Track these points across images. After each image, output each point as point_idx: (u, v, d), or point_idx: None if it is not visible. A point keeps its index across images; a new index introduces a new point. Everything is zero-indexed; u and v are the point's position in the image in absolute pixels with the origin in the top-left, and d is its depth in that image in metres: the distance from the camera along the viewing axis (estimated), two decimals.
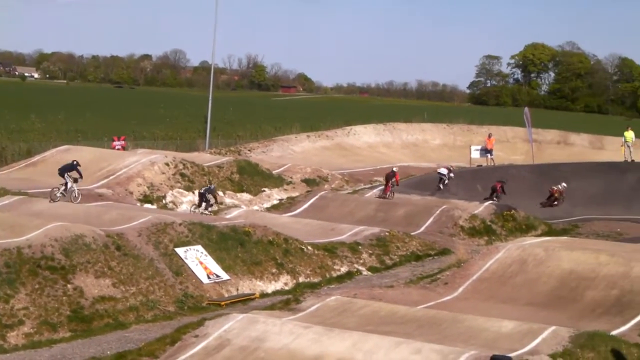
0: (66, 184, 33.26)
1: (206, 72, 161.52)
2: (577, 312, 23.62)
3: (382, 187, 41.77)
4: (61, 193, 33.07)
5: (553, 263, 26.38)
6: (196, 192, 37.90)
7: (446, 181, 44.78)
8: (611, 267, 25.43)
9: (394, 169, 41.97)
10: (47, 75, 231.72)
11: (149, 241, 25.64)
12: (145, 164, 39.30)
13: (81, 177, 33.85)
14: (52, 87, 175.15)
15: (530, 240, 29.85)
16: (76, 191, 33.29)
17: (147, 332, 21.37)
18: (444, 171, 44.95)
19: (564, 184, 45.46)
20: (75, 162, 34.01)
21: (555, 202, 44.92)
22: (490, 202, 40.27)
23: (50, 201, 32.33)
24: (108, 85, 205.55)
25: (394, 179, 40.81)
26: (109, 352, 19.68)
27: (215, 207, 35.19)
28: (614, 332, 20.87)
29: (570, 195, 45.37)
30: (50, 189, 33.02)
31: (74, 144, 46.59)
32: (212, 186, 35.89)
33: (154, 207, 36.08)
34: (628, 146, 52.38)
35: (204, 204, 34.41)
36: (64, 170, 33.52)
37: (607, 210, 42.85)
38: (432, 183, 45.80)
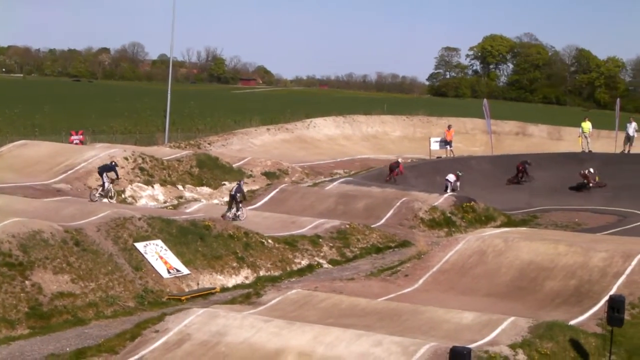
0: (104, 184, 34.46)
1: (165, 65, 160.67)
2: (536, 302, 23.80)
3: (344, 177, 41.87)
4: (99, 194, 34.45)
5: (512, 254, 26.57)
6: (156, 186, 37.77)
7: (449, 189, 44.30)
8: (570, 257, 25.66)
9: (399, 160, 44.27)
10: (3, 69, 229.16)
11: (108, 236, 25.44)
12: (103, 158, 39.00)
13: (118, 177, 35.37)
14: (8, 80, 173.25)
15: (489, 232, 30.04)
16: (112, 191, 34.65)
17: (107, 328, 21.19)
18: (452, 178, 44.32)
19: (591, 170, 45.63)
20: (113, 163, 35.45)
21: (590, 185, 45.52)
22: (451, 193, 40.31)
23: (89, 201, 33.26)
24: (66, 79, 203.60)
25: (398, 169, 43.76)
26: (68, 349, 19.50)
27: (242, 214, 33.26)
28: (572, 322, 21.06)
29: (529, 186, 45.72)
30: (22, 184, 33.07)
31: (31, 138, 46.17)
32: (242, 182, 34.85)
33: (113, 201, 35.80)
34: (585, 137, 52.85)
35: (233, 208, 33.04)
36: (102, 170, 34.73)
37: (565, 200, 43.24)
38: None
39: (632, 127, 51.50)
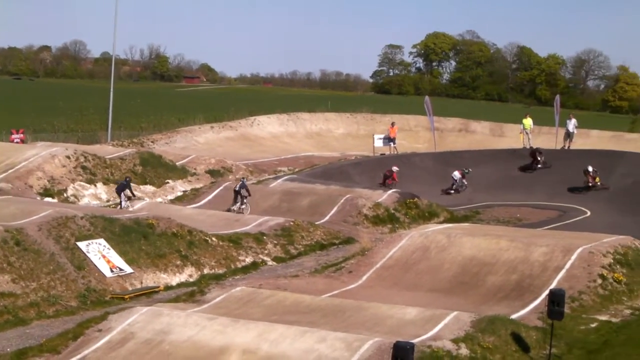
0: (121, 202, 35.24)
1: (107, 63, 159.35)
2: (478, 297, 24.06)
3: (288, 175, 41.95)
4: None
5: (455, 249, 26.82)
6: (98, 184, 37.49)
7: (455, 186, 45.14)
8: (511, 252, 25.98)
9: (393, 168, 45.32)
10: None
11: (50, 235, 25.18)
12: (45, 157, 38.60)
13: (133, 195, 36.31)
14: None
15: (433, 228, 30.27)
16: (130, 208, 34.81)
17: (49, 328, 20.99)
18: (457, 175, 44.99)
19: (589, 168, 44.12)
20: (128, 179, 36.79)
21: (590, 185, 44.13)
22: (394, 190, 40.53)
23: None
24: (6, 77, 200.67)
25: (392, 177, 44.70)
26: (9, 349, 19.29)
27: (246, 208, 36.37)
28: (514, 316, 21.33)
29: (471, 182, 46.11)
30: None
31: None
32: (245, 179, 37.99)
33: (55, 200, 35.46)
34: (527, 133, 53.43)
35: (238, 202, 36.05)
36: (120, 190, 35.65)
37: (507, 196, 43.71)
38: (337, 172, 46.02)
39: (571, 124, 52.17)
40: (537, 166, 47.61)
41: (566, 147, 51.99)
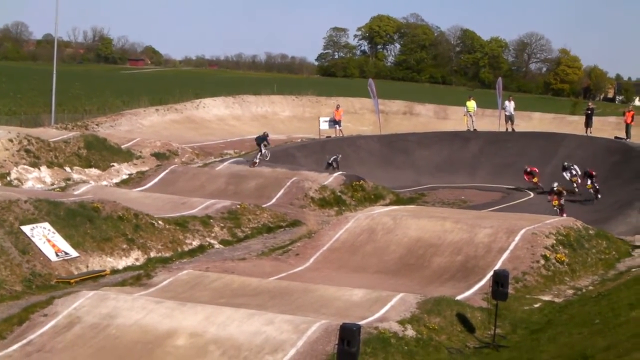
0: (261, 151, 42.80)
1: (50, 45, 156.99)
2: (424, 278, 24.27)
3: (234, 157, 42.02)
4: (258, 159, 42.46)
5: (401, 231, 27.02)
6: (42, 168, 37.18)
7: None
8: (456, 234, 26.24)
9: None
10: None
11: None
12: None
13: (268, 144, 43.98)
14: None
15: (379, 210, 30.46)
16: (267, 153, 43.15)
17: None
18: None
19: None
20: (266, 134, 44.85)
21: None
22: (340, 172, 40.62)
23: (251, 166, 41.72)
24: None
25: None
26: None
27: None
28: (459, 297, 21.56)
29: (416, 165, 46.47)
30: None
31: None
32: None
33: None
34: (470, 116, 53.90)
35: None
36: (259, 141, 43.34)
37: (452, 178, 44.16)
38: (283, 155, 46.03)
39: (510, 106, 52.66)
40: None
41: (509, 129, 52.51)
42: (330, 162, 44.17)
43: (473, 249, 25.27)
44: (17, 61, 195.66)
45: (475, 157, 47.80)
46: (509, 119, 52.47)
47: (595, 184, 37.10)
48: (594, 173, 37.29)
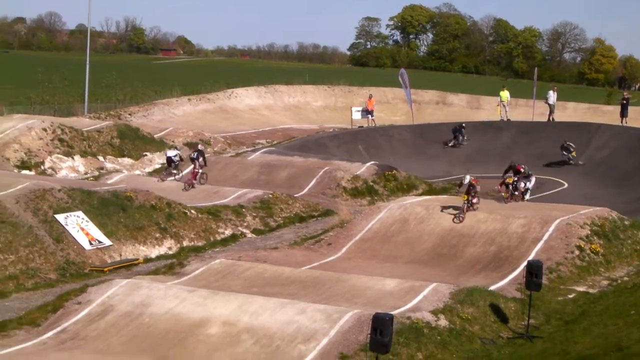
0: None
1: (83, 35, 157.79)
2: (457, 268, 24.20)
3: (266, 147, 41.92)
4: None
5: (434, 221, 26.95)
6: (76, 157, 37.39)
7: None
8: (489, 224, 26.15)
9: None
10: None
11: (28, 208, 25.06)
12: (21, 129, 38.34)
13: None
14: None
15: (411, 200, 30.40)
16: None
17: (28, 301, 20.95)
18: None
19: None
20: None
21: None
22: (373, 162, 40.47)
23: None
24: None
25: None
26: None
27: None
28: (492, 287, 21.47)
29: (449, 155, 46.24)
30: None
31: None
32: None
33: (32, 173, 35.27)
34: (504, 105, 53.58)
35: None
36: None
37: (484, 168, 43.79)
38: (315, 145, 45.94)
39: (553, 96, 52.25)
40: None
41: (550, 119, 52.05)
42: (456, 132, 45.73)
43: (506, 239, 25.15)
44: (51, 51, 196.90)
45: (509, 147, 47.42)
46: (552, 109, 51.99)
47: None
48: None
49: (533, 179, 32.76)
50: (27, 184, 26.67)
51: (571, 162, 43.18)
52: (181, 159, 36.43)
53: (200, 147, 36.56)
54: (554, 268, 23.18)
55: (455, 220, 26.86)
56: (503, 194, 30.07)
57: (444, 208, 27.87)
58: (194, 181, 34.45)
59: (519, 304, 20.21)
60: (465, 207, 27.18)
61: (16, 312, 19.92)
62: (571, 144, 43.46)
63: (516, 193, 30.26)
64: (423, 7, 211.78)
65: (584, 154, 43.42)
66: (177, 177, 35.84)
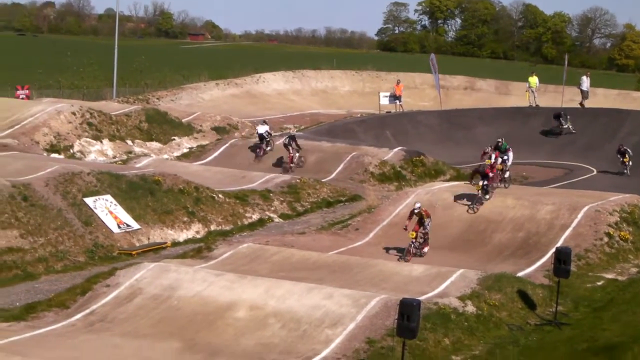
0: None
1: (111, 19, 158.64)
2: (484, 254, 24.14)
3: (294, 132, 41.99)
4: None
5: (461, 207, 26.91)
6: (105, 141, 37.63)
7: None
8: (517, 210, 26.04)
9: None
10: None
11: (57, 191, 25.23)
12: (51, 113, 38.54)
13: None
14: None
15: (439, 185, 30.33)
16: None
17: (57, 283, 21.13)
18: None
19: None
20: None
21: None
22: (400, 148, 40.35)
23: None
24: (10, 33, 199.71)
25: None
26: (18, 304, 19.43)
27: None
28: (520, 274, 21.42)
29: (476, 141, 45.98)
30: None
31: None
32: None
33: (61, 156, 35.49)
34: (532, 91, 53.17)
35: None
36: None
37: (512, 154, 43.59)
38: (342, 130, 45.84)
39: (587, 82, 51.81)
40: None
41: (583, 106, 51.63)
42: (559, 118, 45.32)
43: (535, 225, 25.05)
44: (79, 35, 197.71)
45: (537, 133, 47.16)
46: (584, 94, 51.60)
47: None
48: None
49: (510, 154, 30.07)
50: (57, 167, 26.85)
51: (625, 172, 38.63)
52: (271, 135, 38.78)
53: (291, 132, 39.12)
54: (582, 255, 23.07)
55: (469, 211, 26.51)
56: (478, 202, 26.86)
57: (457, 198, 27.42)
58: (291, 164, 36.71)
59: (547, 290, 20.15)
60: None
61: (45, 294, 20.09)
62: (628, 149, 39.14)
63: (487, 197, 26.99)
64: None
65: (613, 141, 42.98)
66: (269, 149, 38.29)
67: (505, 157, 29.46)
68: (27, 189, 24.66)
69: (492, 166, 27.69)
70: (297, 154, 36.92)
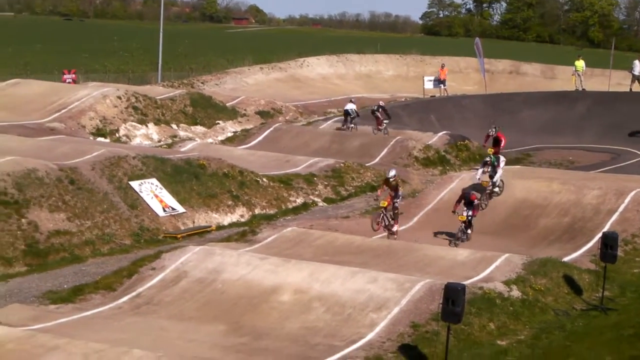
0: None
1: (156, 4, 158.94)
2: (530, 239, 24.02)
3: (338, 116, 41.96)
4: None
5: (506, 192, 26.73)
6: (150, 125, 37.87)
7: None
8: (563, 195, 25.86)
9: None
10: None
11: (103, 175, 25.45)
12: (97, 97, 38.83)
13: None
14: None
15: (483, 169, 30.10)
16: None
17: (104, 266, 21.33)
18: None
19: None
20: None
21: None
22: (445, 132, 40.19)
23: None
24: (57, 17, 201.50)
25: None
26: (65, 286, 19.64)
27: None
28: (566, 259, 21.28)
29: (521, 125, 45.71)
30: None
31: (23, 77, 45.82)
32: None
33: (107, 140, 35.78)
34: (579, 75, 52.72)
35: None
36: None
37: (558, 139, 43.31)
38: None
39: (638, 67, 51.17)
40: None
41: (633, 89, 51.02)
42: None
43: (581, 210, 24.87)
44: (124, 20, 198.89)
45: (583, 118, 46.70)
46: (636, 79, 50.99)
47: None
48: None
49: (502, 159, 27.03)
50: (103, 151, 27.08)
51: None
52: (357, 114, 41.05)
53: (381, 103, 42.48)
54: (629, 240, 22.88)
55: (451, 245, 23.60)
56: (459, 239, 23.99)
57: (437, 234, 24.83)
58: (379, 127, 40.09)
59: (593, 275, 20.00)
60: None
61: (92, 276, 20.30)
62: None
63: (469, 232, 24.04)
64: None
65: None
66: (352, 126, 40.77)
67: (496, 164, 26.92)
68: (74, 172, 24.90)
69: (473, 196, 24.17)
70: (385, 123, 40.08)
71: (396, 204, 23.65)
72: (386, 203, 23.12)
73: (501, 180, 26.78)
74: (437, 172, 35.07)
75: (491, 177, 26.40)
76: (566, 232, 24.08)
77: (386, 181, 23.91)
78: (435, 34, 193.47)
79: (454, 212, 24.04)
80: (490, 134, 28.80)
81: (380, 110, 40.55)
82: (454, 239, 23.78)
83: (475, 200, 24.14)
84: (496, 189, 26.62)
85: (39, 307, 18.20)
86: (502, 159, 27.21)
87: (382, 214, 23.53)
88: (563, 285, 19.38)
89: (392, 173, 23.74)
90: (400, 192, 23.73)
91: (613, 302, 18.76)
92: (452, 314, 14.80)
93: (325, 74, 65.05)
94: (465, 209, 23.84)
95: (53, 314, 17.69)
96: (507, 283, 18.70)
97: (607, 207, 24.67)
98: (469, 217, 23.85)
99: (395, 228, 23.76)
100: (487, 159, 27.30)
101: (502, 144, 28.34)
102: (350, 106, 41.14)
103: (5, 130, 32.92)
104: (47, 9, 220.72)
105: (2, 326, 15.91)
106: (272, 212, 27.86)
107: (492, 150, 27.71)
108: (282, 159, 33.67)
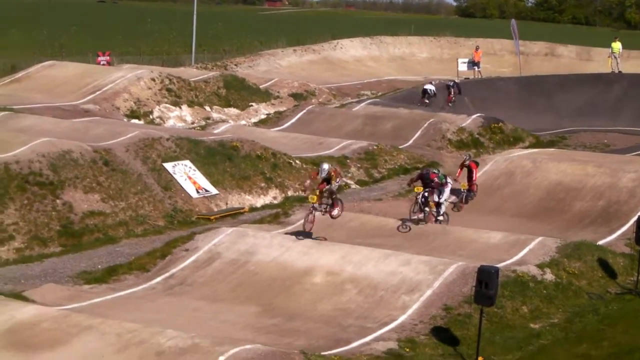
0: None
1: None
2: (564, 222, 23.88)
3: (371, 98, 41.85)
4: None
5: (541, 175, 26.58)
6: (183, 107, 38.03)
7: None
8: (598, 178, 25.66)
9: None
10: None
11: (137, 156, 25.59)
12: (131, 79, 38.98)
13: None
14: (33, 2, 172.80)
15: (517, 152, 30.05)
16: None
17: (137, 246, 21.48)
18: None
19: None
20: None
21: None
22: (479, 114, 39.96)
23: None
24: (91, 0, 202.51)
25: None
26: (99, 266, 19.82)
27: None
28: (600, 242, 21.14)
29: (556, 108, 45.36)
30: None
31: (58, 59, 46.07)
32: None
33: (141, 122, 35.91)
34: (615, 57, 52.15)
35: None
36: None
37: (593, 121, 42.93)
38: (420, 96, 45.60)
39: None
40: None
41: None
42: None
43: (616, 193, 24.68)
44: (157, 2, 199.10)
45: (619, 100, 46.24)
46: None
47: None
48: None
49: (447, 189, 23.54)
50: (137, 133, 27.22)
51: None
52: (435, 94, 44.32)
53: (456, 79, 47.72)
54: None
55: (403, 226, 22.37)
56: (414, 216, 22.51)
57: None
58: (450, 103, 43.92)
59: (628, 259, 19.86)
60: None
61: (126, 257, 20.46)
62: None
63: (427, 209, 22.60)
64: None
65: None
66: (426, 102, 43.62)
67: (441, 195, 23.18)
68: (108, 153, 25.07)
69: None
70: (454, 97, 44.30)
71: (332, 189, 20.78)
72: (315, 198, 20.51)
73: (445, 213, 23.46)
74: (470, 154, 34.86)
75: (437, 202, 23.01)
76: (601, 215, 23.91)
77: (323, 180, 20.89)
78: (470, 16, 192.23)
79: (408, 185, 23.46)
80: (466, 163, 26.59)
81: (454, 86, 45.03)
82: (407, 219, 22.21)
83: (435, 179, 22.53)
84: (440, 217, 23.13)
85: (74, 287, 18.39)
86: (450, 181, 23.76)
87: (312, 211, 20.74)
88: (597, 269, 19.27)
89: (326, 166, 20.83)
90: (337, 181, 21.06)
91: None
92: (485, 297, 14.76)
93: (358, 56, 64.85)
94: (422, 185, 22.43)
95: (87, 294, 17.86)
96: (540, 266, 18.62)
97: None
98: (424, 196, 22.29)
99: (335, 212, 20.98)
100: (419, 195, 22.73)
101: (475, 176, 26.15)
102: (429, 86, 45.03)
103: (40, 112, 33.18)
104: None
105: (38, 305, 16.09)
106: (304, 194, 27.83)
107: (466, 185, 25.84)
108: (315, 141, 33.65)
